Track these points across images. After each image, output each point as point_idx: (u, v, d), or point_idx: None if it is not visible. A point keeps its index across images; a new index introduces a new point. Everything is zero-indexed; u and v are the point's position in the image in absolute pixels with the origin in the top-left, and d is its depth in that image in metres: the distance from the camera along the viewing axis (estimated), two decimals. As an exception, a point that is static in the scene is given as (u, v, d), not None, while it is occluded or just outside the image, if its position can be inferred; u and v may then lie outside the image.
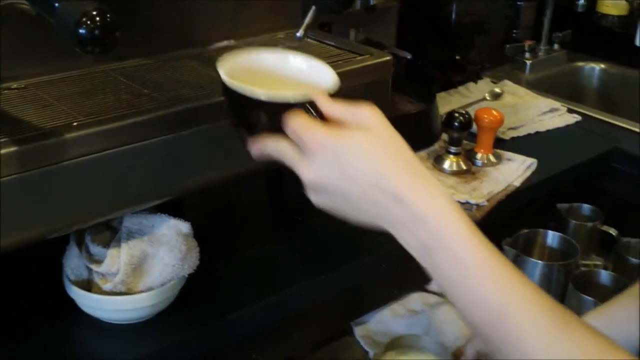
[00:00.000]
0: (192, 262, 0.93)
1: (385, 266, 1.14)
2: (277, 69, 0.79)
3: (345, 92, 1.01)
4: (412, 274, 1.17)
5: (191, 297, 0.96)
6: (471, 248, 0.63)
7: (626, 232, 1.31)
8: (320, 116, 0.70)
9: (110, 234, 0.93)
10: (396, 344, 0.98)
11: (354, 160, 0.65)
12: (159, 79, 0.94)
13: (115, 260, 0.89)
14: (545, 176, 1.37)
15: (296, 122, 0.68)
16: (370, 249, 1.10)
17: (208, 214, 1.16)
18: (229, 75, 0.72)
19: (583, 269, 1.18)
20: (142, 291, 0.89)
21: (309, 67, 0.79)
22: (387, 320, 1.13)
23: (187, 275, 0.93)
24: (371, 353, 1.08)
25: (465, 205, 1.23)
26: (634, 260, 1.21)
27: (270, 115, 0.71)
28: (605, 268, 1.21)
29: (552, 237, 1.25)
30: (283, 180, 1.29)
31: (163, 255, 0.91)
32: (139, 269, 0.90)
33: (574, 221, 1.32)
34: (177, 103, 0.87)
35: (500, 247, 1.22)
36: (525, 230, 1.24)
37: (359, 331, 1.13)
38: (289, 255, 1.11)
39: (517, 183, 1.31)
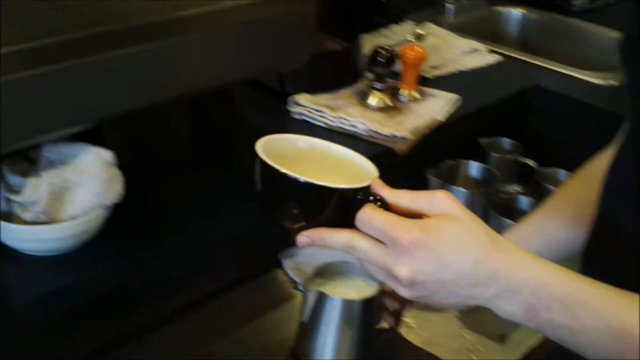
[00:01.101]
0: (116, 191, 0.92)
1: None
2: (310, 154, 0.77)
3: (270, 20, 1.01)
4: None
5: (116, 229, 0.95)
6: (577, 290, 0.65)
7: (544, 164, 1.35)
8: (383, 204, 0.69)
9: (29, 165, 0.91)
10: (325, 270, 0.98)
11: (449, 251, 0.65)
12: (77, 3, 0.91)
13: (36, 190, 0.87)
14: (467, 112, 1.39)
15: (377, 218, 0.67)
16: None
17: (130, 146, 1.14)
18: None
19: (504, 196, 1.21)
20: (65, 221, 0.88)
21: (341, 153, 0.78)
22: (315, 251, 1.14)
23: (111, 206, 0.92)
24: (300, 282, 1.09)
25: (391, 138, 1.25)
26: (551, 187, 1.25)
27: (337, 205, 0.69)
28: (525, 195, 1.25)
29: (474, 167, 1.29)
30: (205, 112, 1.28)
31: (85, 183, 0.89)
32: (60, 199, 0.88)
33: (494, 154, 1.35)
34: (96, 26, 0.85)
35: (424, 178, 1.25)
36: (449, 161, 1.27)
37: (287, 264, 1.13)
38: (214, 187, 1.10)
39: (441, 118, 1.34)
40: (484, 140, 1.39)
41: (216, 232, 1.04)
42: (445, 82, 1.49)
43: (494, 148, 1.38)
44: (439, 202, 0.67)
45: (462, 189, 1.19)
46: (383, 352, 0.98)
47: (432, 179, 1.21)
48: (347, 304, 0.90)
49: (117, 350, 1.00)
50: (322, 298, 0.91)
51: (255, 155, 0.71)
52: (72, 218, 0.88)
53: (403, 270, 0.66)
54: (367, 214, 0.68)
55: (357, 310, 0.90)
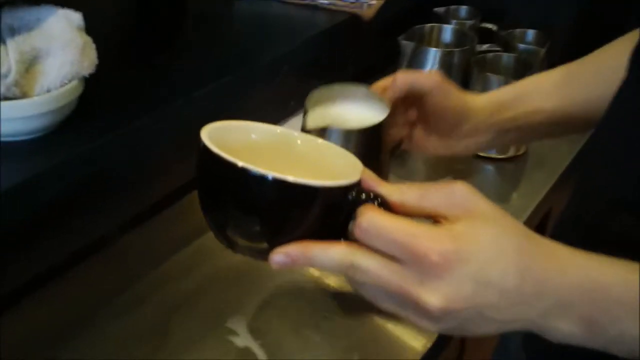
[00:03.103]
0: (90, 59, 0.80)
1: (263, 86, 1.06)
2: (270, 146, 0.60)
3: None
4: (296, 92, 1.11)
5: (89, 107, 0.84)
6: None
7: (505, 27, 1.32)
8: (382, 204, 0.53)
9: (-13, 37, 0.77)
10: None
11: (490, 263, 0.49)
12: None
13: (4, 59, 0.74)
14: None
15: (389, 225, 0.50)
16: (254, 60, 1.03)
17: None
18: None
19: (481, 55, 1.17)
20: (40, 95, 0.76)
21: (310, 143, 0.61)
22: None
23: (86, 76, 0.80)
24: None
25: (355, 5, 1.17)
26: (522, 45, 1.22)
27: (320, 211, 0.51)
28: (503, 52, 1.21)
29: (445, 30, 1.23)
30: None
31: (57, 51, 0.77)
32: (32, 70, 0.76)
33: (455, 20, 1.30)
34: None
35: (395, 45, 1.18)
36: (419, 25, 1.21)
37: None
38: (165, 79, 0.98)
39: (398, -16, 1.27)
40: (439, 10, 1.33)
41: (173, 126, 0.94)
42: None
43: (452, 16, 1.33)
44: (460, 196, 0.51)
45: (440, 49, 1.13)
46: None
47: (405, 43, 1.15)
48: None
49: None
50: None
51: (200, 147, 0.52)
52: (47, 90, 0.76)
53: (433, 297, 0.49)
54: (373, 220, 0.50)
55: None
